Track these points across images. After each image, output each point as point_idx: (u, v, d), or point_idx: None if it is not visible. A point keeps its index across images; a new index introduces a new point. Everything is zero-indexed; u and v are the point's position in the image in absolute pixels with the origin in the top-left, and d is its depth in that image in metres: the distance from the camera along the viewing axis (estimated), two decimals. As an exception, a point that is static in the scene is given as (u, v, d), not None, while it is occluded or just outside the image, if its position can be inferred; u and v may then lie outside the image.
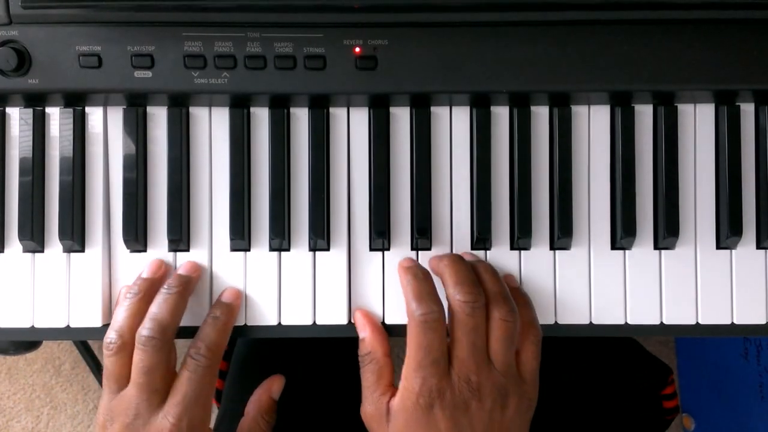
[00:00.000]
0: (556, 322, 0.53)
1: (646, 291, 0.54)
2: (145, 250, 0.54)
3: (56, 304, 0.53)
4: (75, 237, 0.53)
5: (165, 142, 0.54)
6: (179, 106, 0.54)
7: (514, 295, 0.51)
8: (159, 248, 0.54)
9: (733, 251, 0.54)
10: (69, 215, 0.53)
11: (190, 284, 0.52)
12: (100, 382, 1.08)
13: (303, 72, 0.51)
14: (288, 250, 0.54)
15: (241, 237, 0.53)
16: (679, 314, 0.53)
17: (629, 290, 0.54)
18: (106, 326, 0.53)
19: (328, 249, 0.54)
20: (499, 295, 0.49)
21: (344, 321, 0.54)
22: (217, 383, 0.69)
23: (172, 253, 0.54)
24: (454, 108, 0.54)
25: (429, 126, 0.54)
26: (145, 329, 0.49)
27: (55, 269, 0.54)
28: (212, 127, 0.54)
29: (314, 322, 0.54)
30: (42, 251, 0.54)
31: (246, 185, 0.53)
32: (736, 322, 0.54)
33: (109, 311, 0.54)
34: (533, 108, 0.54)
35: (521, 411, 0.50)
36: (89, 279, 0.54)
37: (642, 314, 0.54)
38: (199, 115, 0.54)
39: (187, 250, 0.54)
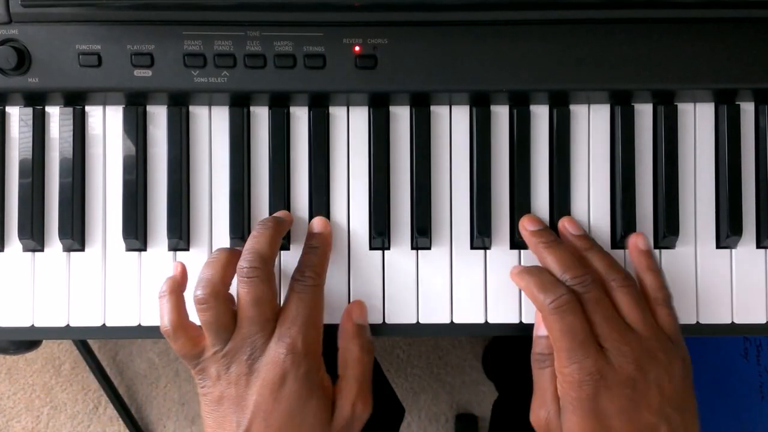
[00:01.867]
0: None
1: (646, 290, 0.54)
2: (144, 249, 0.54)
3: (56, 304, 0.53)
4: (75, 236, 0.53)
5: (165, 141, 0.54)
6: (179, 105, 0.54)
7: (638, 260, 0.52)
8: (159, 247, 0.54)
9: (733, 251, 0.54)
10: (69, 214, 0.53)
11: (284, 225, 0.52)
12: (100, 382, 1.08)
13: (303, 71, 0.51)
14: (288, 249, 0.54)
15: (240, 236, 0.53)
16: (679, 313, 0.53)
17: (629, 289, 0.54)
18: (105, 325, 0.53)
19: (327, 248, 0.54)
20: (608, 267, 0.50)
21: (344, 320, 0.54)
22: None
23: (171, 253, 0.54)
24: (453, 107, 0.54)
25: (429, 125, 0.54)
26: (245, 261, 0.48)
27: (55, 268, 0.54)
28: (212, 126, 0.54)
29: (314, 321, 0.54)
30: (42, 250, 0.54)
31: (246, 185, 0.54)
32: (736, 321, 0.54)
33: (108, 310, 0.54)
34: (533, 107, 0.54)
35: (685, 374, 0.48)
36: (89, 278, 0.54)
37: (642, 313, 0.54)
38: (198, 114, 0.54)
39: (187, 249, 0.54)
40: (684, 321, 0.53)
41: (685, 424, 0.47)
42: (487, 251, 0.54)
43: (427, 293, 0.54)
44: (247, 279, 0.48)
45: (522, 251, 0.54)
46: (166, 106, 0.54)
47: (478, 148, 0.53)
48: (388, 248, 0.54)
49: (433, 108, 0.54)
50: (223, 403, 0.48)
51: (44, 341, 0.64)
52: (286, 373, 0.47)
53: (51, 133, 0.54)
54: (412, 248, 0.54)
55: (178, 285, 0.51)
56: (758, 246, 0.54)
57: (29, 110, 0.53)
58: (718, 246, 0.54)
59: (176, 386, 1.11)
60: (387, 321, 0.54)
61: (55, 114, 0.54)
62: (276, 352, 0.47)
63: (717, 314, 0.54)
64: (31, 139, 0.53)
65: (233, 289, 0.50)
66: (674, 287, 0.53)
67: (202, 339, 0.49)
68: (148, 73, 0.51)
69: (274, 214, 0.53)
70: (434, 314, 0.54)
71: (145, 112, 0.54)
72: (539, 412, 0.50)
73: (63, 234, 0.53)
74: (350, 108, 0.54)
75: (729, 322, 0.54)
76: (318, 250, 0.51)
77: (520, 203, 0.53)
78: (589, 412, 0.46)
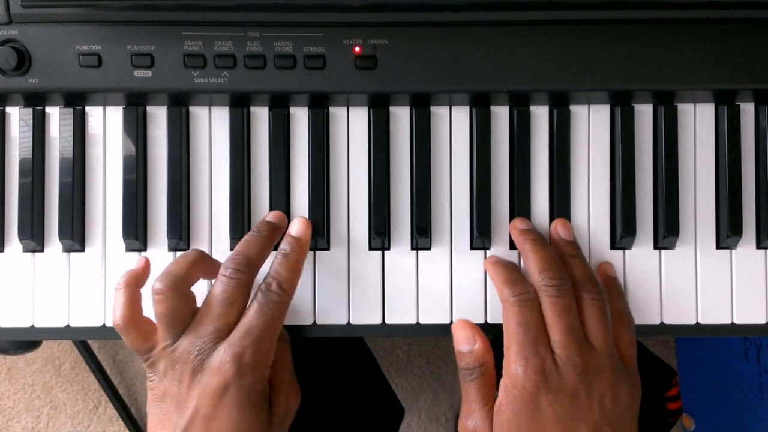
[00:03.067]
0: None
1: (646, 291, 0.54)
2: (144, 250, 0.54)
3: (56, 304, 0.53)
4: (75, 236, 0.53)
5: (165, 141, 0.54)
6: (179, 106, 0.54)
7: (607, 284, 0.52)
8: (159, 247, 0.54)
9: (733, 251, 0.54)
10: (69, 214, 0.53)
11: (277, 232, 0.52)
12: (100, 382, 1.08)
13: (303, 71, 0.51)
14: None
15: (240, 237, 0.53)
16: (679, 314, 0.53)
17: (629, 290, 0.54)
18: (105, 326, 0.53)
19: (328, 248, 0.54)
20: (587, 277, 0.50)
21: (344, 321, 0.54)
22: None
23: (171, 253, 0.54)
24: (454, 107, 0.54)
25: (429, 125, 0.54)
26: (232, 262, 0.48)
27: (55, 269, 0.54)
28: (212, 127, 0.54)
29: (314, 322, 0.54)
30: (42, 251, 0.54)
31: (246, 185, 0.54)
32: (736, 321, 0.54)
33: (109, 310, 0.54)
34: (533, 107, 0.54)
35: (631, 401, 0.48)
36: (89, 278, 0.54)
37: (642, 314, 0.54)
38: (198, 114, 0.54)
39: (187, 249, 0.54)
40: (684, 321, 0.54)
41: None
42: (487, 252, 0.54)
43: (427, 293, 0.54)
44: (227, 278, 0.47)
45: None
46: (166, 107, 0.54)
47: (478, 148, 0.53)
48: (388, 248, 0.54)
49: (433, 108, 0.54)
50: (166, 400, 0.47)
51: (44, 341, 0.64)
52: (229, 382, 0.46)
53: (51, 134, 0.54)
54: (412, 248, 0.54)
55: (135, 279, 0.50)
56: (758, 246, 0.54)
57: (29, 110, 0.53)
58: (718, 246, 0.54)
59: (176, 386, 1.11)
60: (387, 321, 0.54)
61: (55, 114, 0.54)
62: (222, 359, 0.46)
63: (717, 314, 0.54)
64: (31, 139, 0.53)
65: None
66: (674, 287, 0.53)
67: (153, 334, 0.48)
68: (148, 73, 0.51)
69: (268, 218, 0.52)
70: (434, 314, 0.54)
71: (145, 113, 0.54)
72: (466, 422, 0.49)
73: (63, 234, 0.53)
74: (350, 108, 0.54)
75: (729, 322, 0.54)
76: (291, 259, 0.50)
77: (520, 204, 0.53)
78: (526, 408, 0.46)
